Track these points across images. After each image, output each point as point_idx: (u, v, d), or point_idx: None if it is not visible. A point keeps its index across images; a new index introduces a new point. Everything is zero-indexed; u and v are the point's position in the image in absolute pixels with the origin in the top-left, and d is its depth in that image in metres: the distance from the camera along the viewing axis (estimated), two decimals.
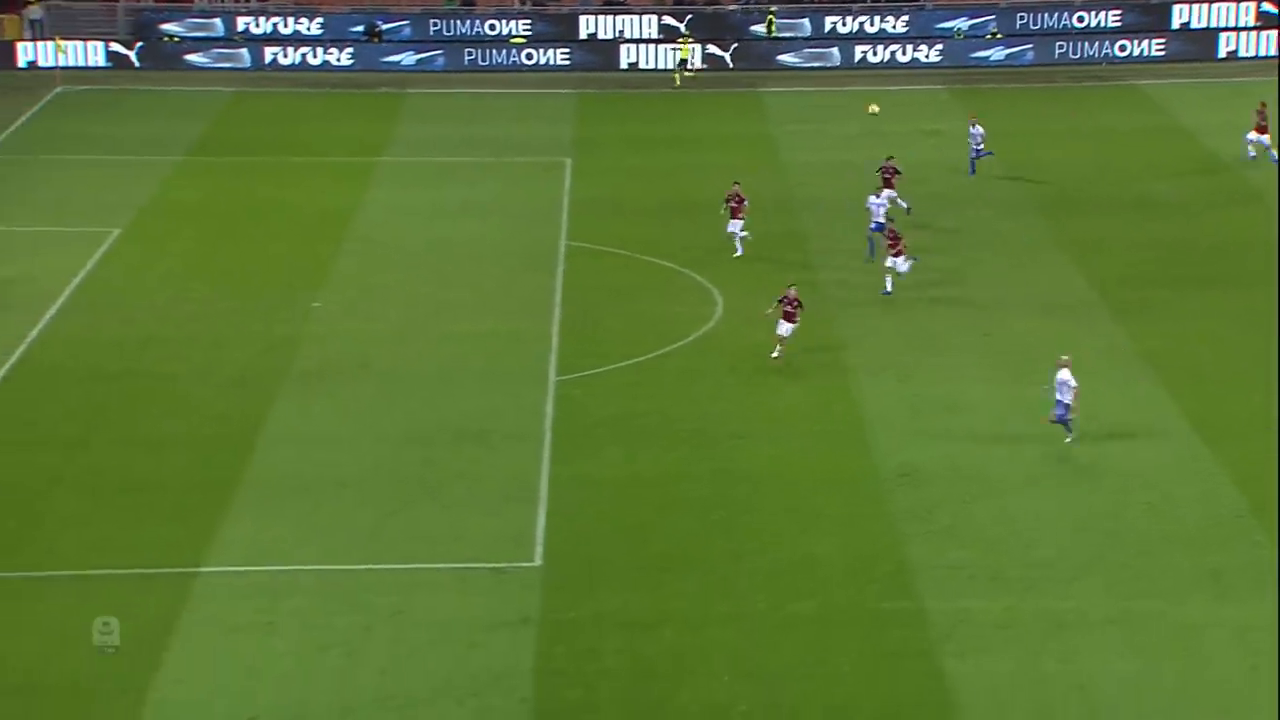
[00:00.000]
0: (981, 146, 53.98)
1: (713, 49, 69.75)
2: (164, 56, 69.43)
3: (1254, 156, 54.00)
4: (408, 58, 69.79)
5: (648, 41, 70.19)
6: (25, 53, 68.81)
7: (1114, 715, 26.52)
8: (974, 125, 54.40)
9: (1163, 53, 70.02)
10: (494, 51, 69.90)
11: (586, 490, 33.70)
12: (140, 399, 37.90)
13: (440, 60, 69.80)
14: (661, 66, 69.55)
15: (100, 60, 69.00)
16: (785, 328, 39.12)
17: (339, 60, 69.57)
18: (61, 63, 67.31)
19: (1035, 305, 43.61)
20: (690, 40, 68.82)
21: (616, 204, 51.94)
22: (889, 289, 43.45)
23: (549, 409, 37.27)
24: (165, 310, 43.31)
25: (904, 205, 48.61)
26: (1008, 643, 28.43)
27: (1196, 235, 48.80)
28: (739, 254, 46.48)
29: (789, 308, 39.12)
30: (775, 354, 39.02)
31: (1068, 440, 34.80)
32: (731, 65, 69.69)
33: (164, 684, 26.99)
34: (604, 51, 69.88)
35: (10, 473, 34.21)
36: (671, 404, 37.68)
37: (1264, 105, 54.57)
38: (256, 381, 38.76)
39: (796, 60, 69.93)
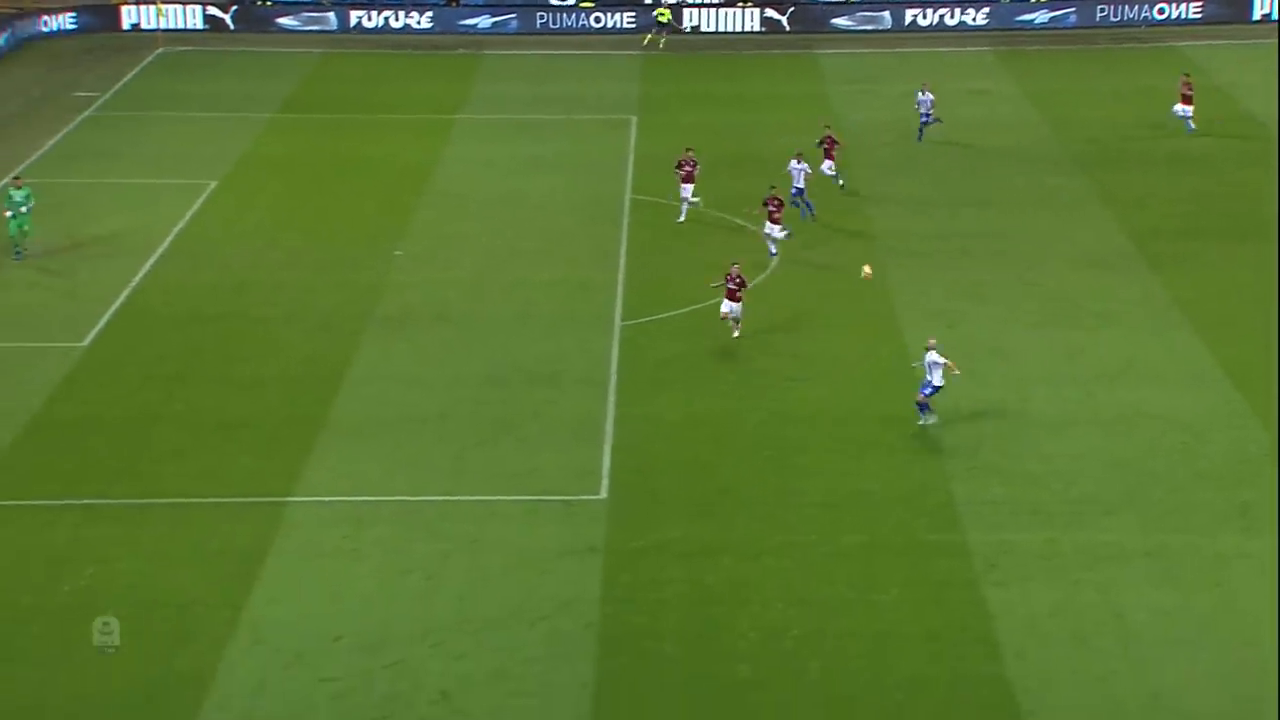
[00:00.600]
0: (930, 113, 51.96)
1: (770, 13, 69.18)
2: (256, 19, 69.53)
3: (1194, 129, 52.24)
4: (483, 21, 69.64)
5: (710, 5, 69.64)
6: (129, 16, 69.10)
7: (1148, 643, 26.39)
8: (924, 92, 52.49)
9: (1199, 15, 68.91)
10: (564, 15, 69.64)
11: (649, 428, 33.72)
12: (235, 341, 38.15)
13: (514, 23, 69.61)
14: (723, 29, 69.09)
15: (198, 23, 69.20)
16: (729, 306, 36.89)
17: (419, 23, 69.48)
18: (162, 25, 67.58)
19: (1077, 257, 43.21)
20: (669, 6, 68.07)
21: (671, 158, 51.74)
22: (774, 251, 42.18)
23: (614, 352, 37.27)
24: (257, 258, 43.53)
25: (840, 181, 47.22)
26: (1047, 573, 28.31)
27: (1230, 190, 48.15)
28: (680, 219, 45.13)
29: (731, 285, 36.79)
30: (734, 333, 36.95)
31: (921, 422, 32.71)
32: (788, 28, 69.13)
33: (258, 603, 27.26)
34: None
35: (116, 408, 34.55)
36: (729, 348, 37.58)
37: (1188, 76, 53.32)
38: (342, 325, 38.92)
39: (850, 23, 69.23)
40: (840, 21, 69.25)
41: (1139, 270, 42.15)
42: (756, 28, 68.75)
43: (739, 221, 45.82)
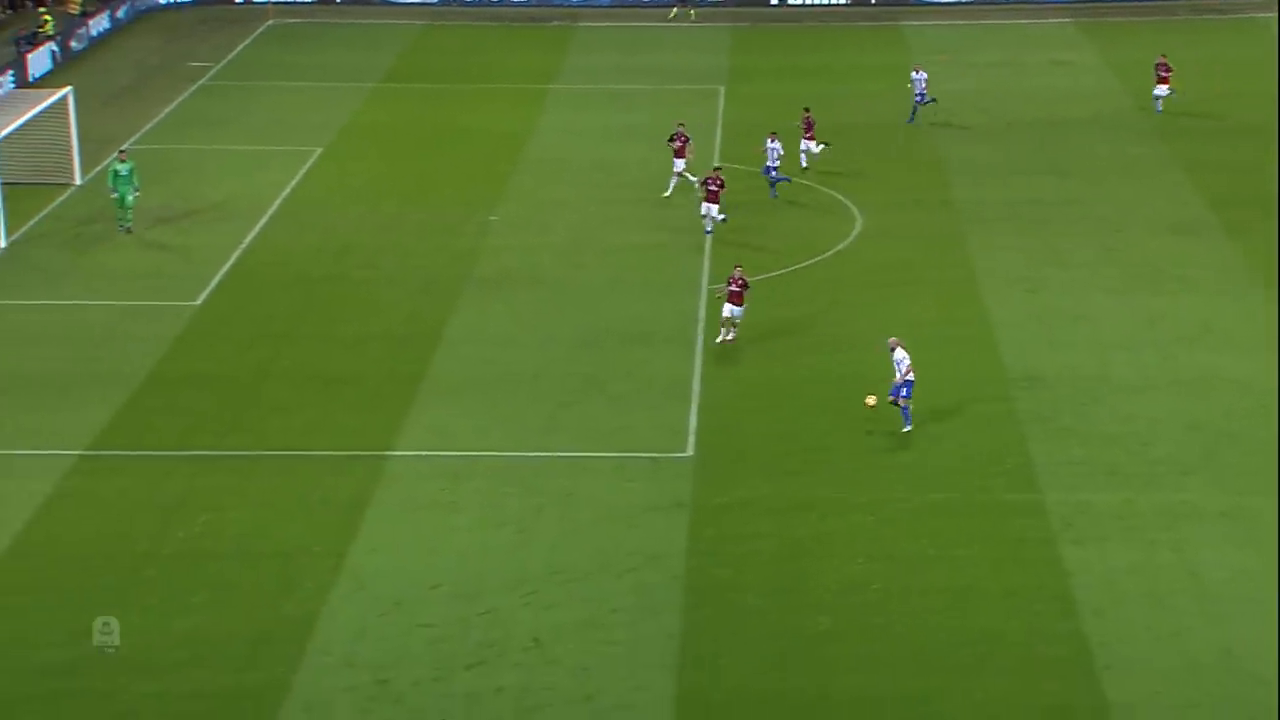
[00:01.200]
0: (925, 91, 50.52)
1: None
2: None
3: (1161, 110, 50.63)
4: None
5: None
6: None
7: (1222, 602, 25.96)
8: (917, 71, 51.14)
9: None
10: None
11: (735, 389, 33.58)
12: (338, 301, 38.39)
13: None
14: (810, 2, 68.43)
15: None
16: (730, 309, 34.56)
17: None
18: None
19: (1156, 223, 42.52)
20: None
21: (765, 128, 51.34)
22: (709, 230, 41.09)
23: (702, 315, 37.13)
24: (360, 222, 43.75)
25: (815, 151, 46.21)
26: (1124, 533, 27.93)
27: None
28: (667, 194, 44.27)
29: (734, 288, 34.52)
30: (725, 337, 34.57)
31: (906, 430, 30.62)
32: (874, 1, 68.36)
33: (359, 552, 27.47)
34: None
35: (226, 365, 34.89)
36: (813, 312, 37.34)
37: (1164, 58, 51.42)
38: (440, 287, 39.06)
39: None
40: None
41: (1217, 237, 41.39)
42: (843, 1, 67.99)
43: (825, 190, 45.47)
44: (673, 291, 38.61)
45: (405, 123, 52.76)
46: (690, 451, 30.87)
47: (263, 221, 43.66)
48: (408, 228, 43.17)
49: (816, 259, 40.55)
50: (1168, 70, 51.16)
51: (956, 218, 42.67)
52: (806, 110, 47.40)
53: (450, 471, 30.19)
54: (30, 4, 65.73)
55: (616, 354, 35.17)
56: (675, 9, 66.57)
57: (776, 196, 44.30)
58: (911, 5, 67.84)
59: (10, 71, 54.81)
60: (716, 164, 43.26)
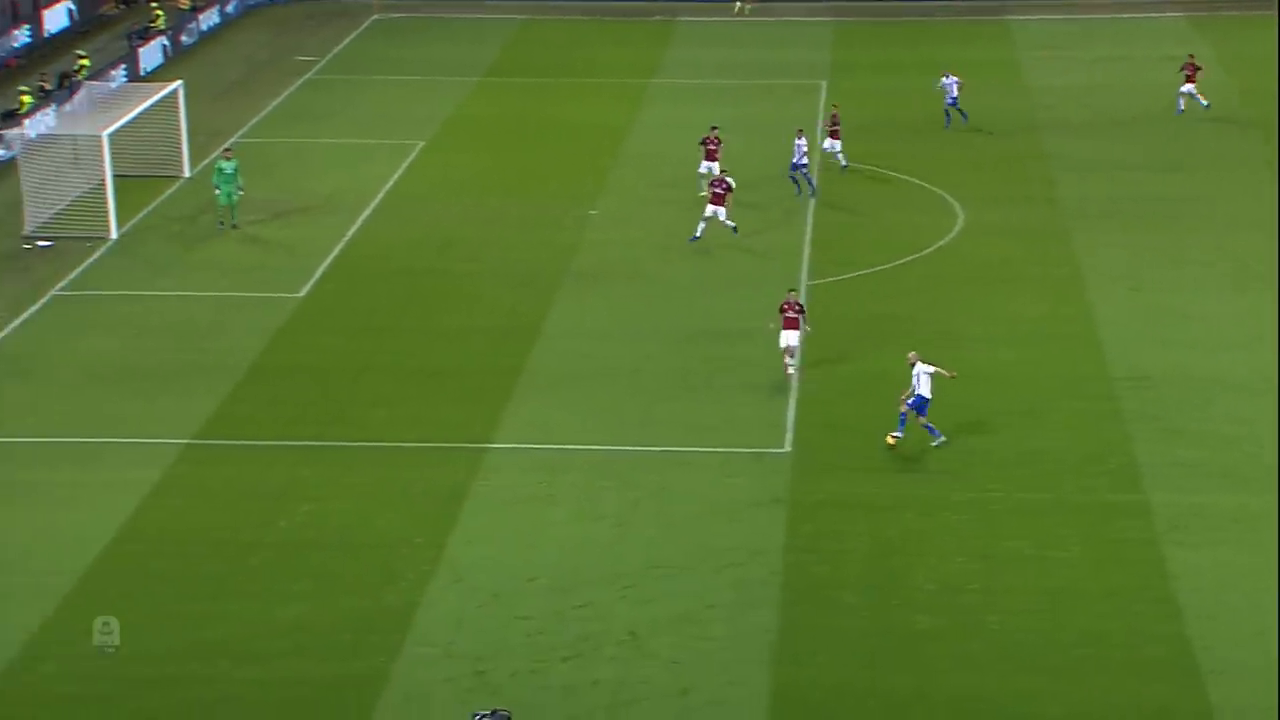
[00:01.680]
0: (956, 98, 49.17)
1: None
2: None
3: (1183, 109, 49.01)
4: None
5: None
6: None
7: None
8: (946, 77, 49.82)
9: None
10: None
11: (834, 385, 33.42)
12: (440, 294, 38.70)
13: None
14: None
15: None
16: (790, 336, 32.77)
17: None
18: None
19: (1268, 221, 41.68)
20: None
21: (867, 123, 51.03)
22: (698, 235, 40.18)
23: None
24: (462, 215, 44.07)
25: (843, 162, 45.58)
26: (1235, 536, 27.44)
27: None
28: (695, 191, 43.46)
29: (791, 313, 32.83)
30: (788, 370, 32.75)
31: (935, 443, 30.09)
32: None
33: (457, 544, 27.68)
34: None
35: (329, 356, 35.30)
36: (914, 308, 37.07)
37: (1192, 57, 49.77)
38: (540, 281, 39.24)
39: None
40: None
41: None
42: None
43: (930, 187, 45.11)
44: (772, 286, 38.41)
45: (507, 116, 53.05)
46: (788, 447, 30.78)
47: (366, 214, 44.11)
48: (509, 221, 43.41)
49: (917, 255, 40.25)
50: (1194, 69, 49.95)
51: (1061, 214, 42.15)
52: (835, 107, 46.77)
53: (548, 465, 30.33)
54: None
55: (715, 349, 35.12)
56: (739, 3, 66.31)
57: (800, 194, 43.75)
58: (1018, 0, 66.92)
59: (123, 65, 55.83)
60: (722, 168, 42.88)
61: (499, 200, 45.10)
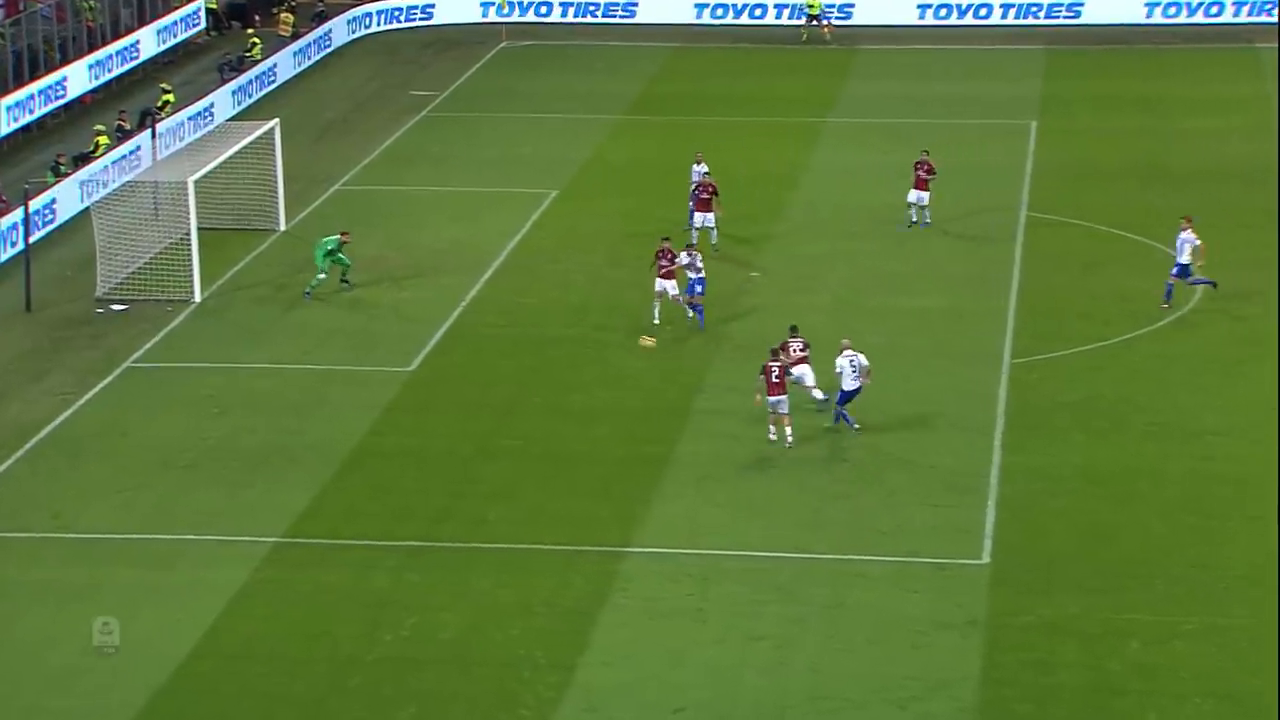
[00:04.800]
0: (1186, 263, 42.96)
1: None
2: (606, 9, 70.62)
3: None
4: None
5: None
6: (470, 7, 71.09)
7: None
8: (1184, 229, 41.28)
9: None
10: (957, 4, 68.58)
11: (1041, 483, 32.93)
12: (571, 367, 38.92)
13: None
14: (1128, 22, 67.10)
15: (544, 14, 70.74)
16: (805, 373, 35.09)
17: (784, 16, 69.50)
18: (505, 16, 69.59)
19: None
20: None
21: (1084, 170, 50.57)
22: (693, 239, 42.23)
23: (1002, 393, 36.57)
24: (598, 275, 44.36)
25: (926, 218, 45.07)
26: None
27: None
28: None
29: (795, 354, 35.03)
30: (814, 395, 35.03)
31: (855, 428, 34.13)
32: (1231, 18, 66.25)
33: (590, 665, 27.64)
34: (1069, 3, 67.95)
35: (441, 439, 35.61)
36: (1140, 392, 36.47)
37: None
38: (690, 352, 39.28)
39: None
40: None
41: None
42: (1186, 21, 66.10)
43: (1147, 241, 44.51)
44: (964, 363, 38.17)
45: (655, 160, 53.41)
46: (986, 558, 30.37)
47: (488, 274, 44.60)
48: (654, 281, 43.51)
49: (1146, 328, 39.68)
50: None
51: None
52: (925, 153, 46.02)
53: (697, 573, 30.21)
54: (237, 25, 68.58)
55: (894, 437, 34.84)
56: (805, 31, 66.33)
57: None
58: (1273, 23, 65.79)
59: (212, 101, 57.14)
60: (705, 170, 44.59)
61: (642, 256, 45.24)
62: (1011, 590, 29.31)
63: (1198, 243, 39.42)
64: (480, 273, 44.60)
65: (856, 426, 34.65)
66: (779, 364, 34.41)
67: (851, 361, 34.57)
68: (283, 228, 47.87)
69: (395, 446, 35.36)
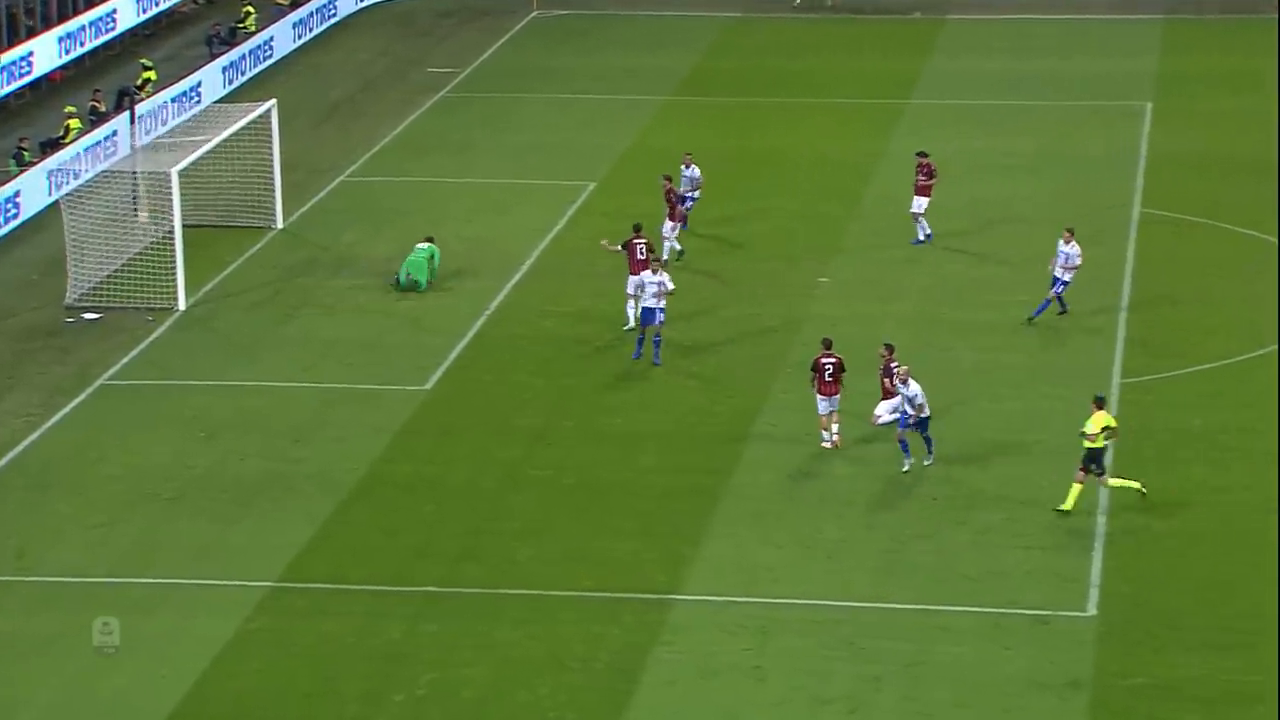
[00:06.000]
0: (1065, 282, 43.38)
1: None
2: None
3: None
4: None
5: None
6: None
7: None
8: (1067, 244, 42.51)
9: None
10: None
11: (1157, 525, 32.95)
12: (610, 386, 39.08)
13: None
14: None
15: None
16: (824, 403, 35.44)
17: None
18: None
19: None
20: None
21: (1207, 159, 50.56)
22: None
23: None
24: None
25: (926, 230, 45.12)
26: None
27: None
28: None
29: (827, 376, 35.24)
30: (828, 441, 35.56)
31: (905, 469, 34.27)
32: None
33: None
34: None
35: (463, 469, 35.77)
36: (1271, 419, 36.41)
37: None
38: (745, 371, 39.40)
39: None
40: None
41: None
42: None
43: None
44: (1066, 384, 38.17)
45: (707, 147, 53.43)
46: (1092, 610, 30.42)
47: (515, 277, 44.81)
48: (704, 289, 43.70)
49: (1270, 348, 39.67)
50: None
51: None
52: (924, 154, 45.75)
53: (755, 624, 30.31)
54: None
55: (983, 469, 34.92)
56: None
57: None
58: None
59: (199, 78, 57.47)
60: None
61: (694, 259, 45.44)
62: (1120, 647, 29.33)
63: (1078, 259, 40.40)
64: (507, 277, 44.80)
65: (908, 466, 34.71)
66: (833, 360, 34.67)
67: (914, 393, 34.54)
68: (280, 225, 48.20)
69: (409, 476, 35.56)
